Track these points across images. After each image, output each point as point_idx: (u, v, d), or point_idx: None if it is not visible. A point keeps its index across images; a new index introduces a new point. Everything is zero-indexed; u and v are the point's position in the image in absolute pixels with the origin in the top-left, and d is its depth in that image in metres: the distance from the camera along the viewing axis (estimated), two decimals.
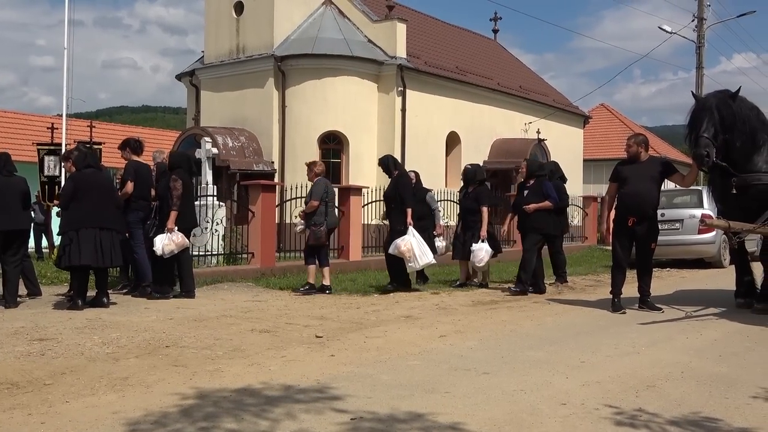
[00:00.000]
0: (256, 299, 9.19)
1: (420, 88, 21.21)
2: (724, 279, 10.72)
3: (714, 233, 13.78)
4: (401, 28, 20.89)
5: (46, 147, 17.77)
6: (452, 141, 22.87)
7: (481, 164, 23.40)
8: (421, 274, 10.76)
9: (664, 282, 11.75)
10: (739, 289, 8.66)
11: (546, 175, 10.45)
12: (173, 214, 8.69)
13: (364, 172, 19.80)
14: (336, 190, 11.11)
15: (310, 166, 10.06)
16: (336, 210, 10.70)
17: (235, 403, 4.12)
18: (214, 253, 12.16)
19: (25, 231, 8.48)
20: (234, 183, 18.64)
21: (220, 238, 12.59)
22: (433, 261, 9.88)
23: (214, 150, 14.62)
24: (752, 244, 9.77)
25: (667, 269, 14.41)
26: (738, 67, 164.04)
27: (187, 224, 9.06)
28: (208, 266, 11.64)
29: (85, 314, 7.48)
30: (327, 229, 9.80)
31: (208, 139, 14.88)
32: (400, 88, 20.56)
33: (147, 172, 9.23)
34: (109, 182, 8.65)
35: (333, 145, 20.42)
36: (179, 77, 23.78)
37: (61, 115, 17.57)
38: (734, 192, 7.80)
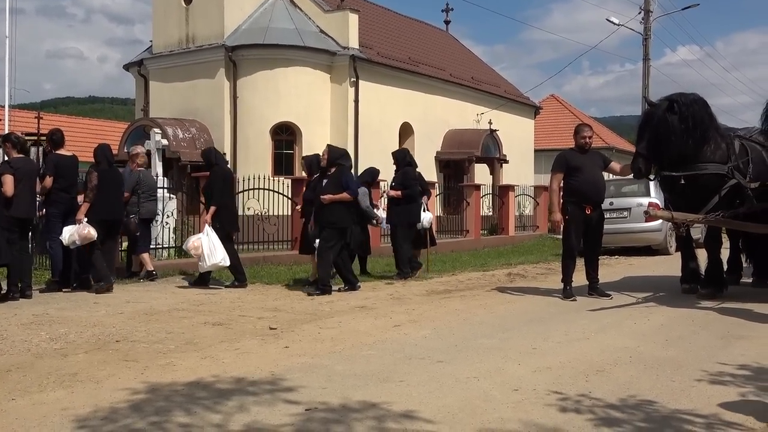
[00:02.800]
0: (209, 292, 9.08)
1: (373, 79, 21.20)
2: (671, 265, 11.01)
3: (660, 221, 14.13)
4: (353, 19, 20.83)
5: None
6: (405, 132, 22.93)
7: (432, 155, 23.81)
8: (364, 270, 10.87)
9: (612, 269, 12.00)
10: (684, 275, 8.89)
11: (348, 165, 9.39)
12: (84, 206, 8.76)
13: None
14: (159, 180, 11.70)
15: (133, 157, 10.32)
16: (155, 201, 10.58)
17: (186, 397, 4.07)
18: (165, 245, 11.97)
19: None
20: (185, 175, 18.36)
21: (171, 230, 12.39)
22: (223, 263, 9.21)
23: (164, 141, 14.37)
24: (697, 232, 10.05)
25: (616, 257, 14.73)
26: (683, 59, 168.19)
27: (107, 215, 8.98)
28: (159, 259, 11.45)
29: (32, 309, 7.30)
30: (140, 219, 9.99)
31: (157, 130, 14.64)
32: (352, 79, 20.51)
33: (71, 166, 9.04)
34: None
35: (286, 136, 20.28)
36: (127, 67, 23.33)
37: (4, 106, 17.08)
38: (682, 182, 8.00)
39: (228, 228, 9.57)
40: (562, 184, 8.55)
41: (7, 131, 16.49)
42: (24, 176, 8.22)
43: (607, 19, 25.63)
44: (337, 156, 9.47)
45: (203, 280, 9.57)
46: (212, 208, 9.28)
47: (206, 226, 9.20)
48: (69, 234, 8.60)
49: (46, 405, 3.93)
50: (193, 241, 9.20)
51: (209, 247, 9.04)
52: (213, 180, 9.56)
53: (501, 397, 4.11)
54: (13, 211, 8.08)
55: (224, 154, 19.61)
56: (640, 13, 25.80)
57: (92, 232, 8.68)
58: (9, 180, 8.08)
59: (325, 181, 9.02)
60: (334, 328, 6.44)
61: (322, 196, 8.80)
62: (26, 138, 9.47)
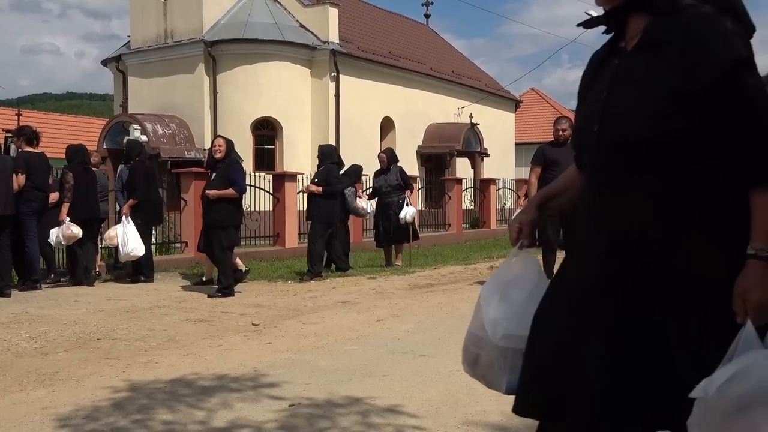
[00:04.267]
0: (191, 288, 9.04)
1: (353, 74, 21.16)
2: None
3: None
4: (333, 13, 20.77)
5: None
6: (386, 126, 22.93)
7: (414, 149, 23.86)
8: (345, 265, 10.77)
9: None
10: None
11: (239, 160, 8.89)
12: (65, 206, 8.81)
13: (298, 158, 19.69)
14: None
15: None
16: (106, 201, 10.42)
17: (169, 395, 4.06)
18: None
19: None
20: (165, 171, 18.24)
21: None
22: (134, 253, 9.02)
23: (144, 137, 14.34)
24: None
25: None
26: None
27: (85, 215, 9.02)
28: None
29: (11, 308, 7.22)
30: None
31: (136, 126, 14.57)
32: (333, 74, 20.45)
33: (42, 163, 8.98)
34: None
35: (266, 131, 20.20)
36: (105, 63, 23.11)
37: None
38: None
39: (150, 222, 9.70)
40: (539, 177, 8.58)
41: None
42: None
43: (586, 13, 25.70)
44: (327, 154, 9.76)
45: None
46: (130, 201, 9.21)
47: (123, 216, 9.11)
48: (55, 235, 8.74)
49: (26, 404, 3.90)
50: (109, 231, 9.26)
51: (123, 237, 8.97)
52: (134, 174, 9.47)
53: (484, 389, 4.07)
54: None
55: (204, 149, 19.54)
56: None
57: (75, 231, 8.77)
58: (20, 178, 8.29)
59: (213, 175, 8.54)
60: (317, 324, 6.44)
61: (207, 192, 8.33)
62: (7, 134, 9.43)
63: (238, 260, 9.35)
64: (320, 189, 9.69)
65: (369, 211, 11.54)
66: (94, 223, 9.39)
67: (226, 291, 8.16)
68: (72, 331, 6.05)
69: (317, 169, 10.36)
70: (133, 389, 4.19)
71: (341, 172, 10.61)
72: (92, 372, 4.65)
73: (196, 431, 3.42)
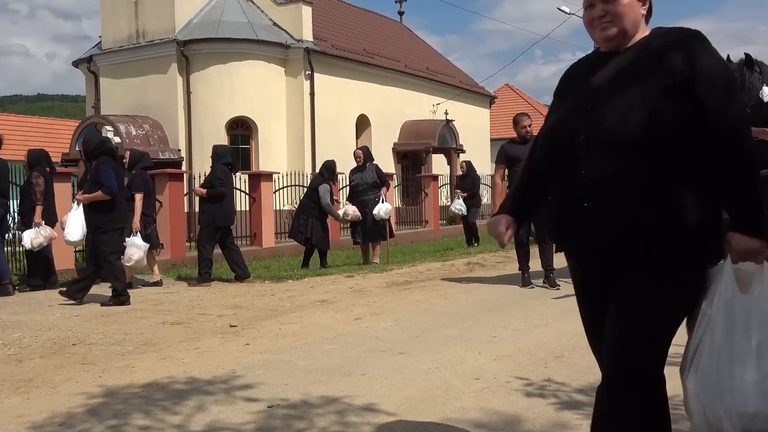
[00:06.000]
0: (167, 291, 8.97)
1: (328, 72, 21.10)
2: None
3: None
4: (307, 11, 20.69)
5: None
6: (362, 124, 22.91)
7: (390, 147, 23.85)
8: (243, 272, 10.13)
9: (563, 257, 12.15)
10: None
11: (113, 156, 8.21)
12: (38, 209, 8.75)
13: (274, 157, 19.60)
14: None
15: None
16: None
17: (145, 399, 4.02)
18: None
19: None
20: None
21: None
22: (71, 240, 8.25)
23: (117, 139, 14.20)
24: None
25: None
26: None
27: (53, 218, 9.02)
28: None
29: None
30: None
31: (109, 127, 14.42)
32: (307, 72, 20.38)
33: (5, 169, 8.90)
34: None
35: (241, 130, 20.09)
36: (76, 64, 22.81)
37: None
38: None
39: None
40: (505, 176, 8.62)
41: None
42: None
43: (558, 8, 25.87)
44: (92, 148, 8.38)
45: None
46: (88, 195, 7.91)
47: (75, 202, 8.38)
48: (32, 238, 8.66)
49: (1, 413, 3.84)
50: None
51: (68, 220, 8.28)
52: (136, 181, 9.11)
53: (462, 386, 4.14)
54: None
55: (179, 150, 19.38)
56: None
57: (54, 232, 8.82)
58: None
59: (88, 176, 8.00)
60: (295, 324, 6.42)
61: (77, 196, 8.00)
62: None
63: (156, 269, 9.41)
64: (204, 191, 9.45)
65: (350, 215, 11.32)
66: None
67: (120, 299, 7.64)
68: (47, 337, 5.97)
69: (210, 170, 9.89)
70: (108, 395, 4.14)
71: (320, 170, 10.47)
72: (68, 378, 4.59)
73: None
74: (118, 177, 7.90)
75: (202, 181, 12.15)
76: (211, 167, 9.78)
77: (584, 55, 2.45)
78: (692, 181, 2.05)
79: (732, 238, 2.07)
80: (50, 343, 5.75)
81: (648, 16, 2.24)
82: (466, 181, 15.40)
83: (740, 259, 2.06)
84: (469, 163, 15.92)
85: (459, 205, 14.75)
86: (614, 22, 2.15)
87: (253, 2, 21.10)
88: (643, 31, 2.21)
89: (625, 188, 2.05)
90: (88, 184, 7.87)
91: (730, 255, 2.08)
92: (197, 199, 13.35)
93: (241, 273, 9.65)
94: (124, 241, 8.41)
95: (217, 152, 9.85)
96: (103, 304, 7.65)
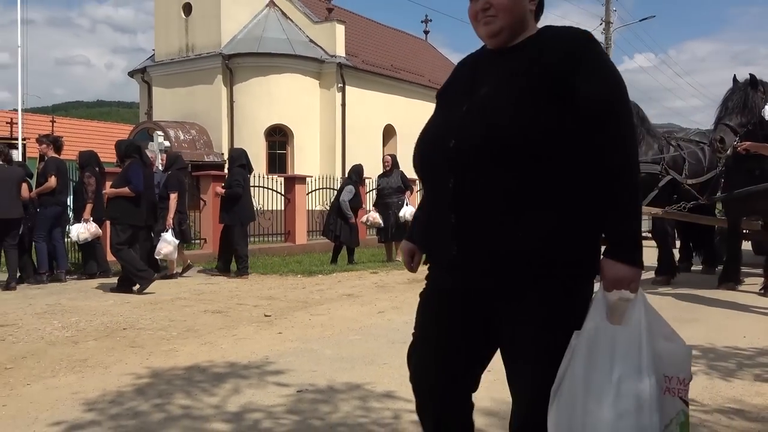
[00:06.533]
0: (209, 282, 9.03)
1: (358, 84, 21.15)
2: None
3: None
4: (340, 29, 20.75)
5: (6, 141, 17.07)
6: (388, 133, 22.92)
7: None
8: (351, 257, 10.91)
9: None
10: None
11: (139, 157, 8.24)
12: (89, 206, 8.81)
13: (308, 162, 19.68)
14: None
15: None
16: None
17: (187, 381, 4.06)
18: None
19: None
20: (188, 174, 18.23)
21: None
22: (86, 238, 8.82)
23: (166, 143, 14.31)
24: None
25: None
26: (640, 66, 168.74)
27: (101, 215, 9.03)
28: None
29: (45, 300, 7.23)
30: None
31: (160, 132, 14.54)
32: (339, 85, 20.45)
33: (64, 169, 9.11)
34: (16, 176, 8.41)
35: (279, 137, 20.20)
36: (132, 74, 23.11)
37: (17, 110, 16.90)
38: None
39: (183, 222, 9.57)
40: None
41: (21, 134, 16.33)
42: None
43: None
44: (235, 157, 9.38)
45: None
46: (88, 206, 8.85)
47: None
48: (79, 232, 8.77)
49: (58, 389, 3.91)
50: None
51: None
52: (171, 181, 9.23)
53: None
54: None
55: (222, 154, 19.53)
56: (601, 24, 25.92)
57: (99, 229, 8.96)
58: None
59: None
60: (324, 315, 6.43)
61: (105, 191, 8.22)
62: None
63: (174, 264, 9.30)
64: (223, 191, 9.40)
65: (371, 224, 11.40)
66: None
67: (139, 282, 7.71)
68: (100, 321, 6.05)
69: (227, 172, 9.84)
70: (154, 375, 4.19)
71: (348, 173, 10.46)
72: (118, 359, 4.65)
73: (210, 415, 3.42)
74: (145, 178, 8.06)
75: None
76: (229, 169, 9.71)
77: (470, 53, 2.06)
78: (569, 198, 1.70)
79: (605, 264, 1.72)
80: (103, 327, 5.82)
81: (538, 12, 1.89)
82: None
83: (612, 287, 1.71)
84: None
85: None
86: (498, 17, 1.80)
87: (291, 20, 21.20)
88: (532, 29, 1.85)
89: (493, 203, 1.70)
90: (117, 180, 8.04)
91: (603, 282, 1.74)
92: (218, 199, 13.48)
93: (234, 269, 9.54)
94: (149, 239, 8.72)
95: (233, 155, 9.80)
96: (111, 290, 7.86)
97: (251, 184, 13.07)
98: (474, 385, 2.03)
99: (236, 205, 9.33)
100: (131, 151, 8.20)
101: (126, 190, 7.73)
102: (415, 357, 2.04)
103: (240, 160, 9.64)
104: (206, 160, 18.98)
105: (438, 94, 2.04)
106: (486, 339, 1.90)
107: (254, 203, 13.72)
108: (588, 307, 1.75)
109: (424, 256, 2.12)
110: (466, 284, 1.84)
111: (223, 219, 9.55)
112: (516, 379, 1.84)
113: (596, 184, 1.68)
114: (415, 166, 1.97)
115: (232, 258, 9.58)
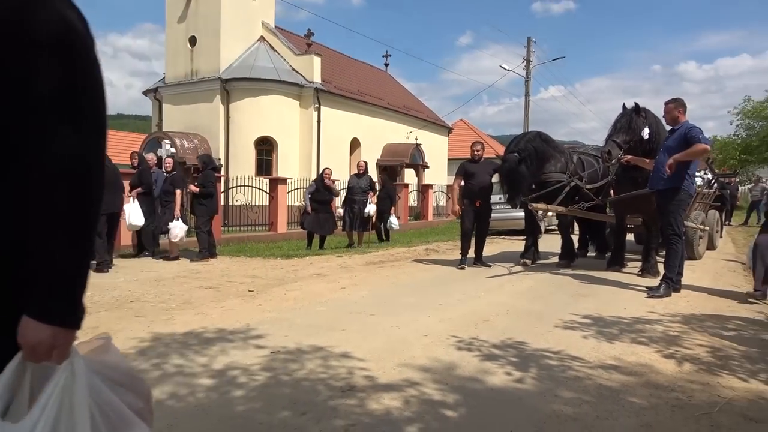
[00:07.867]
0: (204, 263, 8.86)
1: (331, 105, 20.96)
2: (542, 243, 11.19)
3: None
4: (317, 61, 20.52)
5: None
6: (354, 144, 22.77)
7: (374, 162, 23.72)
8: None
9: (499, 246, 12.18)
10: (525, 249, 8.82)
11: (211, 167, 9.03)
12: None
13: (289, 166, 19.50)
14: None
15: None
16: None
17: (182, 344, 3.96)
18: None
19: None
20: (189, 175, 17.83)
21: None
22: (137, 224, 8.97)
23: (173, 150, 13.96)
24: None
25: (503, 237, 14.96)
26: (552, 95, 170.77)
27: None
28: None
29: None
30: None
31: (167, 141, 14.19)
32: (316, 105, 20.23)
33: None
34: None
35: (266, 146, 19.90)
36: (146, 93, 22.46)
37: None
38: (533, 186, 8.21)
39: (213, 211, 9.50)
40: (462, 185, 8.62)
41: None
42: None
43: (501, 66, 25.95)
44: (206, 162, 9.25)
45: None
46: (138, 189, 9.04)
47: (131, 198, 8.91)
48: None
49: None
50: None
51: (128, 213, 8.81)
52: (207, 178, 9.23)
53: (414, 340, 4.12)
54: None
55: (219, 159, 19.14)
56: (523, 62, 26.21)
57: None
58: None
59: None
60: (297, 290, 6.36)
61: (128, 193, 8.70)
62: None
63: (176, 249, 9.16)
64: (197, 189, 9.10)
65: (339, 217, 11.40)
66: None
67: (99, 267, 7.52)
68: (111, 295, 5.88)
69: (199, 173, 9.52)
70: (154, 340, 4.08)
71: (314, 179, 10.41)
72: (125, 327, 4.52)
73: (199, 372, 3.35)
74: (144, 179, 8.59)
75: (232, 183, 12.00)
76: (201, 171, 9.38)
77: None
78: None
79: (22, 323, 1.09)
80: (113, 300, 5.66)
81: None
82: (382, 191, 12.78)
83: (29, 357, 1.09)
84: (385, 177, 14.45)
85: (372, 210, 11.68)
86: None
87: (278, 52, 20.88)
88: None
89: None
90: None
91: (21, 347, 1.09)
92: (232, 194, 13.24)
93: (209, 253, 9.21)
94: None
95: (204, 161, 9.46)
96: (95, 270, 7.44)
97: (244, 184, 12.91)
98: None
99: (207, 200, 9.11)
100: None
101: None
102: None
103: (211, 163, 9.43)
104: None
105: None
106: None
107: (242, 199, 13.56)
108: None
109: None
110: None
111: (196, 211, 9.24)
112: None
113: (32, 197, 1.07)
114: None
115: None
